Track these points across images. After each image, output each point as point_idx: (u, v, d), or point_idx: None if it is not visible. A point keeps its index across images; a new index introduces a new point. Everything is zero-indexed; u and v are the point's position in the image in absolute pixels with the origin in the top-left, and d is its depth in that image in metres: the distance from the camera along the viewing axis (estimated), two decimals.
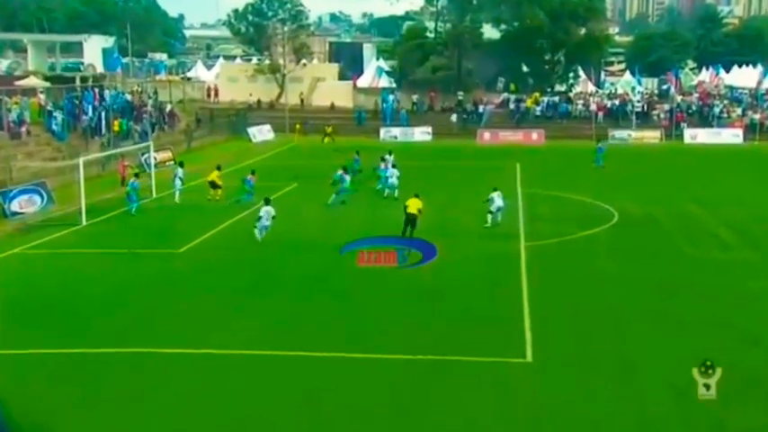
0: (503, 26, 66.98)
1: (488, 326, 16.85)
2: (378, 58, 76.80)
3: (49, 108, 39.96)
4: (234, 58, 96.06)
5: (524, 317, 17.29)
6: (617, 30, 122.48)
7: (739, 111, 57.71)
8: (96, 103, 41.97)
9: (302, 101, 64.19)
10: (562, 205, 30.41)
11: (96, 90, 44.02)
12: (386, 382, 14.00)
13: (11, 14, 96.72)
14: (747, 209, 29.48)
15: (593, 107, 58.11)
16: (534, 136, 54.64)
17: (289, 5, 68.56)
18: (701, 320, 17.27)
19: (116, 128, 42.08)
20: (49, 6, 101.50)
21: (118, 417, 12.72)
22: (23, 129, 37.34)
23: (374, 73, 70.03)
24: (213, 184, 31.06)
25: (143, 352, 15.29)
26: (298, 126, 54.71)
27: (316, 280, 20.34)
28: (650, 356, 15.19)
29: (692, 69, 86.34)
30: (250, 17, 69.75)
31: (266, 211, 24.03)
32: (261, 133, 54.83)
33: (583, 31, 65.92)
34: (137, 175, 30.70)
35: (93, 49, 74.30)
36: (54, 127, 38.80)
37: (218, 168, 31.99)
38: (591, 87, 67.74)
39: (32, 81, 55.56)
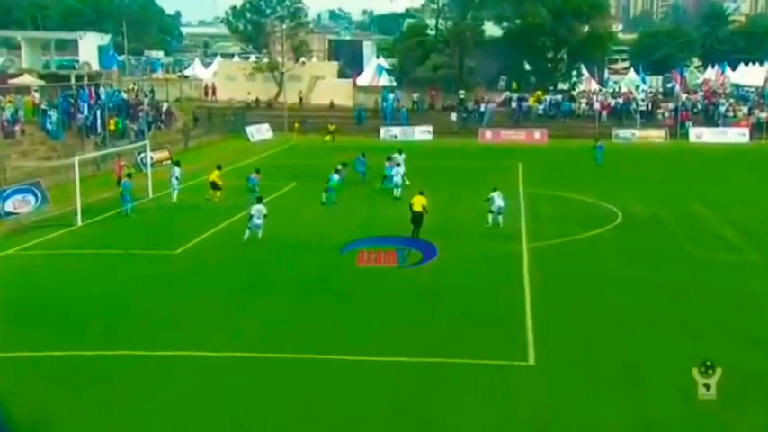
0: (505, 23, 66.69)
1: (490, 327, 16.82)
2: (378, 56, 76.61)
3: (43, 107, 39.67)
4: (232, 56, 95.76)
5: (526, 318, 17.21)
6: (621, 27, 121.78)
7: (745, 109, 57.20)
8: (92, 102, 41.63)
9: (301, 99, 63.82)
10: (565, 205, 30.28)
11: (92, 88, 43.68)
12: (386, 386, 13.89)
13: (5, 11, 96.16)
14: (753, 209, 29.35)
15: (597, 106, 57.73)
16: (537, 135, 54.33)
17: (287, 2, 68.03)
18: (704, 322, 17.23)
19: (112, 127, 41.74)
20: (43, 3, 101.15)
21: (115, 419, 12.65)
22: (17, 128, 37.10)
23: (374, 71, 69.80)
24: (214, 185, 30.85)
25: (139, 355, 15.21)
26: (296, 125, 54.43)
27: (315, 280, 20.33)
28: (654, 358, 15.12)
29: (697, 67, 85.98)
30: (248, 14, 69.19)
31: (257, 210, 23.92)
32: (259, 132, 54.46)
33: (586, 28, 65.65)
34: (129, 176, 30.35)
35: (89, 46, 73.65)
36: (49, 126, 38.51)
37: (219, 168, 31.81)
38: (594, 86, 67.31)
39: (27, 79, 55.11)
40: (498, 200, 25.84)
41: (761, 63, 71.32)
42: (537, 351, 15.28)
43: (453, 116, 57.57)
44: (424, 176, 34.02)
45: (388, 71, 69.95)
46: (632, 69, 72.88)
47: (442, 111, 60.28)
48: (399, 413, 12.90)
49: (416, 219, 23.83)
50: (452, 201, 30.34)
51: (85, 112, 40.48)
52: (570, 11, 63.54)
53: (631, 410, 12.92)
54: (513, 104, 59.55)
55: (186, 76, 76.46)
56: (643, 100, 58.96)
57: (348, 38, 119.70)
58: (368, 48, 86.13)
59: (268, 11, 68.41)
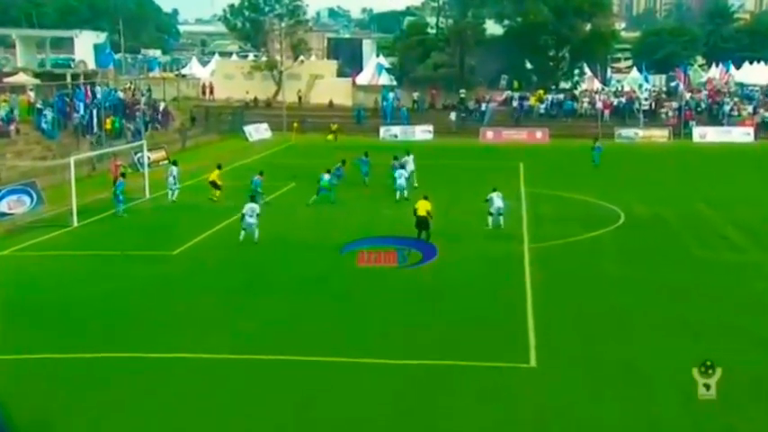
0: (506, 22, 66.42)
1: (491, 328, 16.73)
2: (377, 55, 76.31)
3: (38, 106, 39.47)
4: (230, 54, 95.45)
5: (528, 319, 17.11)
6: (623, 25, 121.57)
7: (750, 108, 56.84)
8: (88, 101, 41.45)
9: (300, 98, 63.50)
10: (567, 206, 30.08)
11: (88, 87, 43.59)
12: (386, 388, 13.77)
13: (0, 9, 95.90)
14: (758, 209, 29.17)
15: (599, 105, 57.31)
16: (538, 135, 54.02)
17: (286, 0, 67.71)
18: (707, 322, 17.15)
19: (108, 126, 41.47)
20: (38, 1, 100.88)
21: (113, 421, 12.62)
22: (12, 127, 36.90)
23: (374, 70, 69.48)
24: (214, 184, 30.64)
25: (138, 356, 15.11)
26: (295, 124, 54.12)
27: (315, 281, 20.24)
28: (656, 359, 15.03)
29: (701, 66, 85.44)
30: (246, 12, 68.85)
31: (250, 208, 23.62)
32: (258, 132, 54.13)
33: (588, 26, 65.40)
34: (123, 175, 30.00)
35: (85, 44, 73.33)
36: (44, 125, 38.27)
37: (219, 168, 31.61)
38: (597, 85, 66.99)
39: (21, 78, 55.08)
40: (498, 201, 25.47)
41: (766, 62, 71.06)
42: (538, 352, 15.18)
43: (452, 116, 57.23)
44: (425, 176, 33.91)
45: (387, 70, 69.66)
46: (635, 68, 72.43)
47: (442, 110, 59.99)
48: (400, 415, 12.83)
49: (421, 223, 23.57)
50: (453, 201, 30.11)
51: (81, 112, 40.24)
52: (572, 9, 63.26)
53: (633, 411, 12.86)
54: (515, 104, 59.15)
55: (183, 75, 76.01)
56: (646, 99, 58.57)
57: (347, 36, 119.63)
58: (367, 46, 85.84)
59: (266, 9, 68.06)
